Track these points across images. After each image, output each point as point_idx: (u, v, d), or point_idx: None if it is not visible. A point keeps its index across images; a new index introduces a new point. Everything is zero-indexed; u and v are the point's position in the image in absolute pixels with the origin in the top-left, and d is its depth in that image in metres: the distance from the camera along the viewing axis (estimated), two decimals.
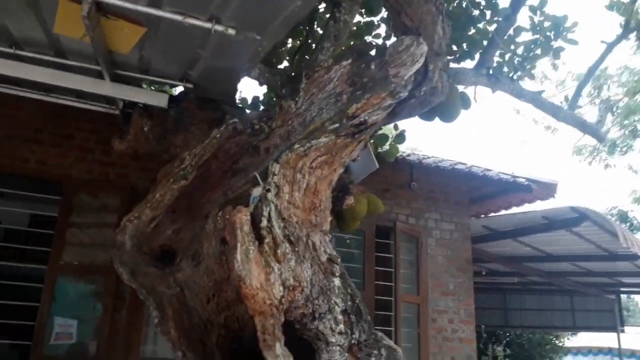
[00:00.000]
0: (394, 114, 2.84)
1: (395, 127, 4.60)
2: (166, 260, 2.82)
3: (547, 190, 5.82)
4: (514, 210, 6.45)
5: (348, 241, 5.62)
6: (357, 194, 3.33)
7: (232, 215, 2.21)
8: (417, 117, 4.24)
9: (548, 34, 4.65)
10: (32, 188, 4.34)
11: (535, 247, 7.47)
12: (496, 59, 4.86)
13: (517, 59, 4.88)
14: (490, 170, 5.85)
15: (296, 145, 2.41)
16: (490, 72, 4.58)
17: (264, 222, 2.32)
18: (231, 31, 2.01)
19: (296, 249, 2.40)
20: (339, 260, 2.62)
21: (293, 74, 3.92)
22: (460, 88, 4.40)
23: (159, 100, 2.80)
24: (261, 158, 2.89)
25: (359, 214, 3.30)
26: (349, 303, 2.62)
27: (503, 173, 5.78)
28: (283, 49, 4.24)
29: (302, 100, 2.73)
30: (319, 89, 2.67)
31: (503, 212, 6.63)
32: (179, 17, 1.94)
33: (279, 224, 2.38)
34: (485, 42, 4.61)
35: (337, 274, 2.59)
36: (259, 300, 2.23)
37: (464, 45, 4.79)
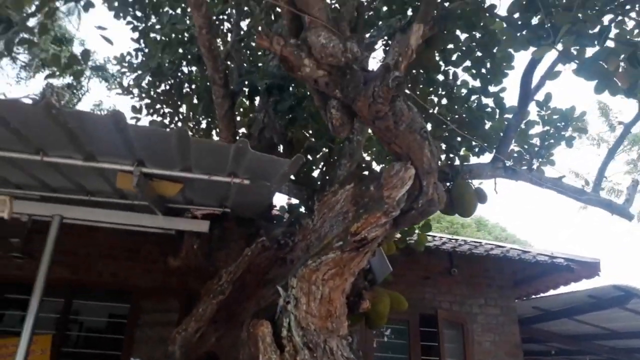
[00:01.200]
0: (396, 225, 3.26)
1: None
2: None
3: (590, 269, 5.82)
4: (561, 289, 6.42)
5: (389, 332, 5.83)
6: (379, 294, 3.68)
7: (256, 329, 2.66)
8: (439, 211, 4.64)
9: (558, 124, 4.98)
10: (106, 297, 5.03)
11: (595, 325, 7.22)
12: (516, 148, 5.22)
13: (533, 149, 5.20)
14: (528, 252, 5.98)
15: (309, 261, 2.87)
16: (507, 164, 4.93)
17: (284, 332, 2.74)
18: (246, 182, 2.58)
19: (315, 354, 2.77)
20: None
21: (319, 184, 4.49)
22: (478, 182, 4.77)
23: (202, 227, 3.39)
24: (287, 268, 3.36)
25: (382, 313, 3.63)
26: None
27: (541, 254, 5.88)
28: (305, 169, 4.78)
29: (316, 218, 3.22)
30: (329, 209, 3.16)
31: (551, 291, 6.59)
32: (205, 177, 2.54)
33: (298, 333, 2.79)
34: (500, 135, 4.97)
35: None
36: None
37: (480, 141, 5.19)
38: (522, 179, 4.99)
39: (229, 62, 3.95)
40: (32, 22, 3.22)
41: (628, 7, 2.80)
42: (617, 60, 2.66)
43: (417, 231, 5.10)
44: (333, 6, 4.44)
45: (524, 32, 3.01)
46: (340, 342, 2.99)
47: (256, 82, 3.80)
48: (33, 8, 3.08)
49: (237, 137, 4.12)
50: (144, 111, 5.62)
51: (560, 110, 4.87)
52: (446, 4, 4.19)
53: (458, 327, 5.89)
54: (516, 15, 3.25)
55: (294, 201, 4.73)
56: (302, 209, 4.28)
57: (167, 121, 5.74)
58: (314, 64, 2.63)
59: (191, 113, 5.49)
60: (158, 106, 5.68)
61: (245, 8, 4.30)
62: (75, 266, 5.09)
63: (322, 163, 4.82)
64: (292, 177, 4.88)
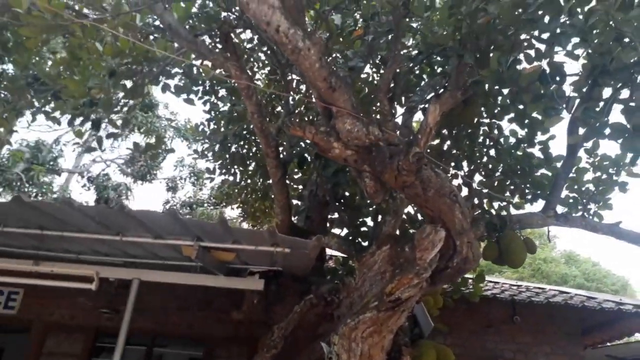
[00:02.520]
0: (434, 283, 3.48)
1: (474, 270, 5.09)
2: None
3: None
4: (638, 336, 6.11)
5: None
6: (425, 348, 3.87)
7: None
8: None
9: (610, 171, 4.96)
10: (183, 346, 5.56)
11: None
12: (570, 194, 5.24)
13: (588, 195, 5.18)
14: (593, 298, 5.82)
15: (349, 320, 3.16)
16: (559, 212, 4.96)
17: None
18: (287, 250, 2.97)
19: None
20: None
21: (367, 242, 4.79)
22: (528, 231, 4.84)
23: (258, 285, 3.80)
24: (335, 323, 3.66)
25: None
26: None
27: (608, 301, 5.70)
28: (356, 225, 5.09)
29: (357, 277, 3.53)
30: (368, 269, 3.46)
31: (626, 339, 6.29)
32: (252, 247, 2.96)
33: None
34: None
35: None
36: None
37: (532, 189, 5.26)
38: (576, 226, 5.00)
39: (279, 139, 4.44)
40: (115, 116, 3.88)
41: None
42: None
43: (471, 282, 5.21)
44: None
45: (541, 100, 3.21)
46: None
47: (304, 152, 4.24)
48: (118, 107, 3.73)
49: (290, 199, 4.57)
50: (217, 172, 6.31)
51: (609, 157, 4.86)
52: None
53: None
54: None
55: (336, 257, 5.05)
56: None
57: (237, 179, 6.37)
58: (342, 146, 3.00)
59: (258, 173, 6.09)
60: (229, 167, 6.33)
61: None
62: (156, 318, 5.70)
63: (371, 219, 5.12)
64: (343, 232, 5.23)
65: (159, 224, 2.78)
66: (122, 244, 3.14)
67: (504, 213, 4.86)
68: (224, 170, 6.32)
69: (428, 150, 5.25)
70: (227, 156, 6.01)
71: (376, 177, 3.29)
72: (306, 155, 4.32)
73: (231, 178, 6.34)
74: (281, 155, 4.40)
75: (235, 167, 6.25)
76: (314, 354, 3.63)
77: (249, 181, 6.39)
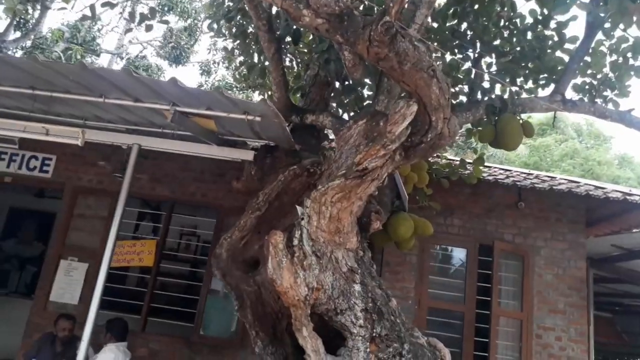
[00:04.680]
0: (408, 157, 3.58)
1: (475, 151, 5.13)
2: (254, 268, 4.02)
3: None
4: None
5: (449, 259, 6.16)
6: (402, 219, 4.08)
7: (270, 237, 3.28)
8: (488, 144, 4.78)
9: (629, 55, 4.68)
10: (197, 213, 6.07)
11: None
12: (586, 80, 5.03)
13: (604, 80, 4.95)
14: (602, 188, 5.78)
15: (319, 186, 3.37)
16: (566, 97, 4.82)
17: (296, 242, 3.33)
18: (258, 119, 3.11)
19: (321, 261, 3.34)
20: (359, 271, 3.46)
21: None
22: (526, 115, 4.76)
23: (247, 155, 4.04)
24: None
25: (403, 235, 4.04)
26: (370, 304, 3.43)
27: (617, 191, 5.65)
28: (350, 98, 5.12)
29: (336, 151, 3.67)
30: (345, 142, 3.57)
31: (635, 230, 6.30)
32: (224, 114, 3.12)
33: (308, 243, 3.35)
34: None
35: (357, 282, 3.44)
36: (290, 297, 3.24)
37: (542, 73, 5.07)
38: (583, 112, 4.87)
39: (270, 11, 4.37)
40: None
41: None
42: None
43: (470, 164, 5.26)
44: None
45: None
46: (347, 253, 3.52)
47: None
48: None
49: (286, 76, 4.62)
50: (236, 52, 6.32)
51: (628, 39, 4.55)
52: None
53: (519, 258, 6.02)
54: None
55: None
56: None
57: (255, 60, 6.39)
58: (312, 14, 2.97)
59: None
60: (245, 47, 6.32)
61: None
62: (174, 187, 6.17)
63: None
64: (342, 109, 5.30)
65: (138, 89, 2.95)
66: (110, 107, 3.37)
67: (506, 96, 4.75)
68: (242, 51, 6.34)
69: (432, 25, 5.07)
70: (238, 33, 6.00)
71: (355, 50, 3.27)
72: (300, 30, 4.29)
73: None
74: (278, 32, 4.39)
75: (253, 45, 6.25)
76: (297, 217, 3.91)
77: (266, 63, 6.40)
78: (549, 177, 6.38)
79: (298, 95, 5.35)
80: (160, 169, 6.23)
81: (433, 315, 5.90)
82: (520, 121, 4.53)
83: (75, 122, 4.17)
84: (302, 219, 3.41)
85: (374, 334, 3.41)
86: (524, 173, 6.45)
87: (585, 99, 4.93)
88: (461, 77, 5.16)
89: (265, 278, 3.79)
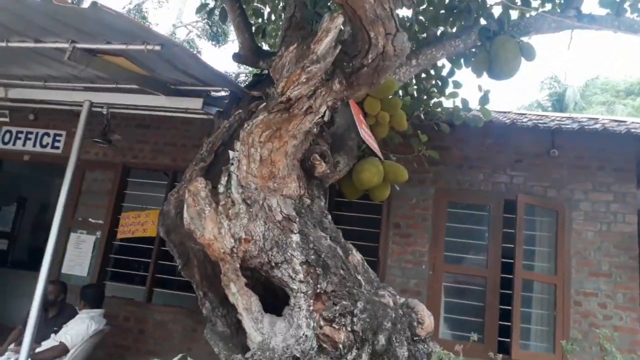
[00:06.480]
0: (350, 85, 3.05)
1: (479, 89, 4.42)
2: None
3: None
4: None
5: (469, 217, 5.46)
6: (366, 163, 3.55)
7: (190, 185, 2.93)
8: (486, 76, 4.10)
9: None
10: None
11: None
12: None
13: None
14: None
15: (245, 125, 2.96)
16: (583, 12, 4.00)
17: (221, 189, 2.96)
18: (157, 47, 2.76)
19: (251, 209, 2.93)
20: (297, 219, 3.02)
21: None
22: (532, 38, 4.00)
23: (196, 104, 3.71)
24: None
25: (367, 182, 3.51)
26: (312, 257, 2.97)
27: None
28: None
29: (275, 86, 3.23)
30: (279, 74, 3.13)
31: None
32: (123, 46, 2.81)
33: (238, 190, 2.96)
34: None
35: (295, 231, 2.99)
36: (216, 249, 2.88)
37: None
38: (605, 27, 4.01)
39: None
40: None
41: None
42: None
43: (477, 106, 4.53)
44: None
45: None
46: (284, 200, 3.08)
47: None
48: None
49: (247, 17, 4.21)
50: None
51: None
52: None
53: (553, 214, 5.18)
54: None
55: None
56: None
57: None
58: None
59: None
60: None
61: None
62: (174, 155, 6.03)
63: None
64: None
65: (35, 25, 2.72)
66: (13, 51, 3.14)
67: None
68: None
69: None
70: None
71: None
72: None
73: None
74: None
75: None
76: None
77: None
78: (592, 119, 5.43)
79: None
80: (161, 137, 6.12)
81: (450, 281, 5.26)
82: (519, 43, 3.79)
83: (36, 84, 4.10)
84: (232, 163, 3.03)
85: (318, 290, 2.96)
86: (559, 117, 5.55)
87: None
88: None
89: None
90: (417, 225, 5.35)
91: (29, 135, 6.34)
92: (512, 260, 4.89)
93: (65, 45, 2.83)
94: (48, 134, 6.32)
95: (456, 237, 5.31)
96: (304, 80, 2.76)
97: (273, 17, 5.04)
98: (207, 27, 12.45)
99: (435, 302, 5.01)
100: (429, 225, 5.33)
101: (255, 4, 4.60)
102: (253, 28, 4.31)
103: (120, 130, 6.00)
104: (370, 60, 2.93)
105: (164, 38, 2.74)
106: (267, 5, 4.83)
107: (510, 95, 39.44)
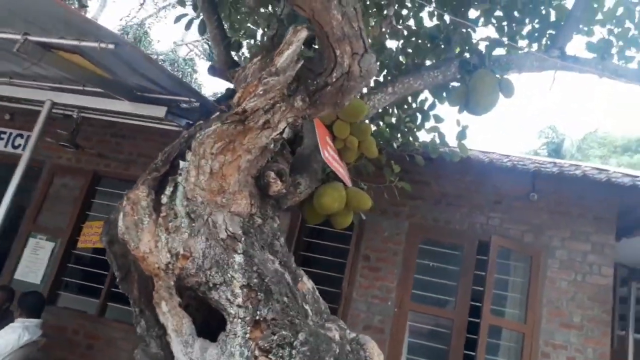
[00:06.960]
0: (314, 104, 2.91)
1: (458, 123, 4.29)
2: None
3: None
4: None
5: (442, 257, 5.26)
6: (329, 187, 3.39)
7: (130, 192, 2.76)
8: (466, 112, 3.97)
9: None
10: None
11: None
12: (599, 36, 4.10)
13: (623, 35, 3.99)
14: (635, 176, 4.66)
15: (197, 135, 2.81)
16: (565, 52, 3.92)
17: (165, 200, 2.78)
18: (111, 46, 2.64)
19: (193, 224, 2.75)
20: (243, 239, 2.83)
21: None
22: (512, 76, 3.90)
23: (159, 112, 3.57)
24: None
25: (327, 208, 3.34)
26: (255, 280, 2.77)
27: None
28: None
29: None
30: (241, 85, 3.00)
31: None
32: (75, 42, 2.68)
33: (183, 203, 2.78)
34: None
35: (239, 251, 2.80)
36: (150, 264, 2.69)
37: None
38: (588, 70, 3.92)
39: None
40: None
41: None
42: None
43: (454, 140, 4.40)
44: None
45: None
46: (231, 218, 2.89)
47: None
48: None
49: (223, 30, 4.12)
50: None
51: None
52: None
53: (527, 259, 5.00)
54: None
55: None
56: None
57: None
58: None
59: None
60: None
61: None
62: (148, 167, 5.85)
63: None
64: None
65: None
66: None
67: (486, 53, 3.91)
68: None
69: None
70: None
71: None
72: None
73: None
74: None
75: None
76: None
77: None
78: (574, 165, 5.31)
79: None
80: (136, 148, 5.97)
81: (416, 320, 5.02)
82: (498, 78, 3.69)
83: (1, 80, 3.96)
84: (180, 174, 2.87)
85: (257, 317, 2.74)
86: (539, 161, 5.44)
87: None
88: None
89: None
90: (388, 259, 5.15)
91: (2, 136, 6.18)
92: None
93: (18, 37, 2.71)
94: (21, 135, 6.15)
95: (426, 275, 5.11)
96: (261, 92, 2.63)
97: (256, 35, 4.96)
98: (206, 46, 12.53)
99: (399, 341, 4.78)
100: (399, 260, 5.13)
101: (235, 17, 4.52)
102: (231, 40, 4.21)
103: (96, 138, 5.88)
104: (334, 80, 2.80)
105: (118, 37, 2.62)
106: (246, 22, 4.75)
107: (511, 143, 39.72)
